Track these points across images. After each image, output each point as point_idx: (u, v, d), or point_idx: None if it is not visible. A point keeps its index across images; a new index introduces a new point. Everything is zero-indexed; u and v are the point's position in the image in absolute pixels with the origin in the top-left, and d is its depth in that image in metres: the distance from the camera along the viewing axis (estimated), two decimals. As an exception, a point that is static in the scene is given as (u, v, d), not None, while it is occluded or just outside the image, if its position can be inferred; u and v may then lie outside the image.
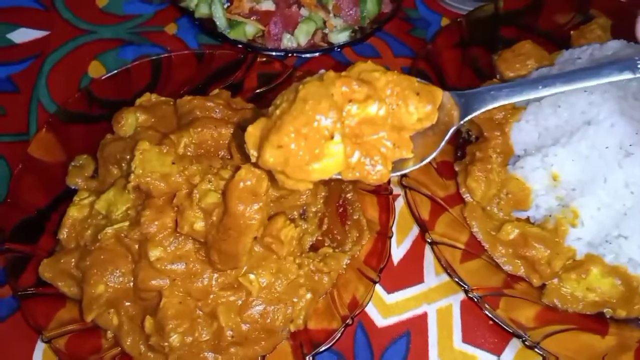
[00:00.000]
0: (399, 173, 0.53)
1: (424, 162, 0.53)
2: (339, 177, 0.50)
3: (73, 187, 0.77)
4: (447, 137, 0.53)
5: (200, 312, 0.65)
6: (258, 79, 0.87)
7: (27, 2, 1.01)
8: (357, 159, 0.49)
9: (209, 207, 0.62)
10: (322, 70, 0.51)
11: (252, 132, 0.50)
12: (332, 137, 0.47)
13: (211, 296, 0.65)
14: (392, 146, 0.49)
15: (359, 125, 0.48)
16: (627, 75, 0.50)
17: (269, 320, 0.67)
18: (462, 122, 0.53)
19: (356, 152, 0.48)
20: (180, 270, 0.65)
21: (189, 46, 0.98)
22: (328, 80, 0.48)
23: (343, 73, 0.50)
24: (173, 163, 0.67)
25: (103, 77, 0.83)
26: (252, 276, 0.67)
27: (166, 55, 0.85)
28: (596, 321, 0.73)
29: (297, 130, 0.46)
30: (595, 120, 0.74)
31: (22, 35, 0.97)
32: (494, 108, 0.77)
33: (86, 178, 0.78)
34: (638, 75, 0.50)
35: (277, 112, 0.49)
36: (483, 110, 0.54)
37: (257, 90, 0.87)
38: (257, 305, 0.67)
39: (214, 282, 0.66)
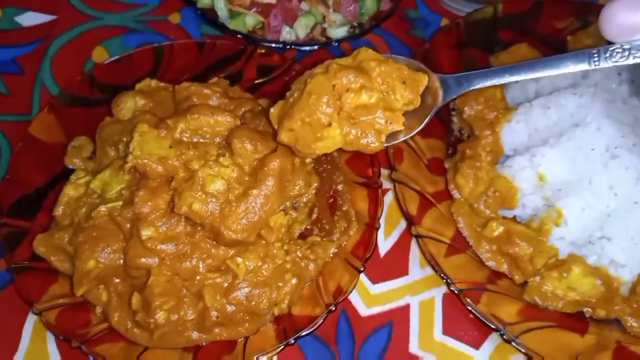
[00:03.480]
0: (392, 143, 0.64)
1: (412, 134, 0.64)
2: (342, 149, 0.63)
3: (71, 167, 0.79)
4: (430, 115, 0.63)
5: (187, 292, 0.67)
6: (257, 70, 0.88)
7: (37, -14, 1.03)
8: (354, 135, 0.61)
9: (217, 192, 0.66)
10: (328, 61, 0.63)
11: (274, 113, 0.65)
12: (330, 125, 0.60)
13: (198, 277, 0.67)
14: (384, 122, 0.61)
15: (355, 109, 0.61)
16: (584, 66, 0.53)
17: (253, 303, 0.68)
18: (443, 102, 0.63)
19: (353, 130, 0.61)
20: (169, 250, 0.67)
21: (192, 35, 1.00)
22: (332, 72, 0.61)
23: (348, 59, 0.63)
24: (170, 147, 0.69)
25: (105, 62, 0.85)
26: (239, 259, 0.69)
27: (168, 43, 0.87)
28: (576, 320, 0.75)
29: (303, 119, 0.61)
30: (583, 122, 0.75)
31: (30, 19, 0.99)
32: (485, 107, 0.81)
33: (84, 159, 0.80)
34: (593, 66, 0.52)
35: (291, 100, 0.63)
36: (459, 93, 0.63)
37: (256, 81, 0.89)
38: (243, 287, 0.69)
39: (201, 264, 0.68)
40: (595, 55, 0.52)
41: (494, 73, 0.60)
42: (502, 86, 0.86)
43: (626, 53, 0.50)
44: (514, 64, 0.59)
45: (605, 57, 0.51)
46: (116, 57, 0.85)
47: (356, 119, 0.61)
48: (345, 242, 0.76)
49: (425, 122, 0.63)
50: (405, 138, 0.64)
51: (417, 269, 0.79)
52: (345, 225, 0.77)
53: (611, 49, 0.51)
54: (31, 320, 0.73)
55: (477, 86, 0.61)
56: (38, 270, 0.71)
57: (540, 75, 0.58)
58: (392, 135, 0.63)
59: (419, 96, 0.62)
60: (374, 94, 0.61)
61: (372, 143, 0.61)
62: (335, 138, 0.61)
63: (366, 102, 0.61)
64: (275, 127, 0.65)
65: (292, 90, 0.64)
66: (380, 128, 0.61)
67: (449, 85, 0.63)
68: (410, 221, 0.76)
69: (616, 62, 0.51)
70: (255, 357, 0.66)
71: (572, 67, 0.54)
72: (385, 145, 0.62)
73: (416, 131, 0.64)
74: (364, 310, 0.76)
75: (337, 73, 0.60)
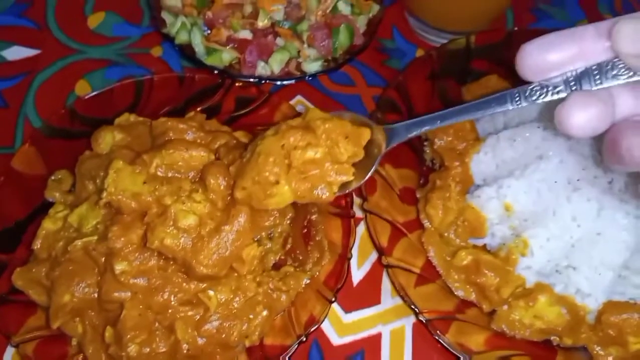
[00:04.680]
0: (344, 191, 0.67)
1: (362, 182, 0.68)
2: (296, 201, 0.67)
3: (51, 200, 0.81)
4: (376, 164, 0.67)
5: (159, 325, 0.69)
6: (236, 102, 0.91)
7: (23, 21, 1.05)
8: (305, 189, 0.66)
9: (189, 227, 0.68)
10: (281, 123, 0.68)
11: (232, 170, 0.70)
12: (277, 182, 0.65)
13: (170, 310, 0.69)
14: (335, 174, 0.66)
15: (303, 164, 0.65)
16: (508, 106, 0.55)
17: (224, 335, 0.70)
18: (385, 151, 0.67)
19: (304, 185, 0.66)
20: (142, 284, 0.69)
21: (173, 69, 1.02)
22: (281, 133, 0.66)
23: (299, 119, 0.69)
24: (144, 183, 0.71)
25: (87, 96, 0.87)
26: (211, 292, 0.70)
27: (148, 77, 0.90)
28: (544, 348, 0.76)
29: (253, 178, 0.65)
30: (546, 155, 0.77)
31: (15, 53, 1.01)
32: (455, 139, 0.83)
33: (64, 192, 0.82)
34: (515, 106, 0.54)
35: (244, 160, 0.68)
36: (399, 141, 0.66)
37: (234, 114, 0.91)
38: (214, 320, 0.70)
39: (173, 297, 0.69)
40: (517, 95, 0.54)
41: (427, 121, 0.63)
42: (471, 118, 0.88)
43: (544, 90, 0.52)
44: (444, 111, 0.61)
45: (526, 96, 0.53)
46: (97, 91, 0.87)
47: (306, 173, 0.65)
48: (317, 273, 0.77)
49: (372, 171, 0.67)
50: (357, 186, 0.68)
51: (389, 298, 0.81)
52: (318, 255, 0.79)
53: (530, 87, 0.53)
54: (9, 352, 0.74)
55: (414, 134, 0.65)
56: (16, 303, 0.73)
57: (468, 119, 0.63)
58: (344, 185, 0.67)
59: (361, 149, 0.66)
60: (319, 150, 0.65)
61: (323, 194, 0.65)
62: (284, 195, 0.65)
63: (313, 158, 0.65)
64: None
65: (246, 152, 0.69)
66: (331, 180, 0.65)
67: (392, 135, 0.67)
68: (381, 252, 0.78)
69: (536, 100, 0.52)
70: (226, 389, 0.68)
71: (497, 109, 0.56)
72: (337, 194, 0.66)
73: (365, 179, 0.68)
74: (336, 340, 0.78)
75: (285, 133, 0.65)
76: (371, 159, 0.67)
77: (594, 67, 0.50)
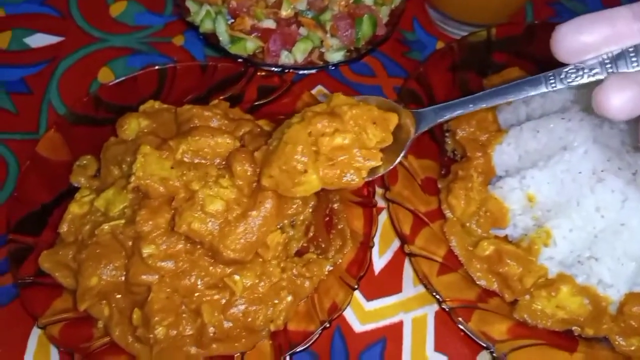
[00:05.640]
0: (373, 177, 0.67)
1: (391, 168, 0.68)
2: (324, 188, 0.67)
3: (76, 185, 0.82)
4: (405, 148, 0.67)
5: (186, 308, 0.69)
6: (258, 91, 0.91)
7: (45, 9, 1.06)
8: (333, 175, 0.65)
9: (216, 212, 0.69)
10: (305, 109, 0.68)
11: (258, 157, 0.70)
12: (305, 171, 0.64)
13: (197, 294, 0.69)
14: (363, 160, 0.65)
15: (331, 151, 0.65)
16: (542, 89, 0.55)
17: (250, 320, 0.70)
18: (415, 136, 0.67)
19: (333, 171, 0.65)
20: (169, 267, 0.69)
21: (195, 57, 1.03)
22: (306, 119, 0.65)
23: (323, 105, 0.68)
24: (172, 168, 0.72)
25: (111, 83, 0.88)
26: (236, 277, 0.71)
27: (172, 65, 0.90)
28: (565, 338, 0.76)
29: (280, 167, 0.65)
30: (570, 146, 0.77)
31: (38, 40, 1.02)
32: (477, 129, 0.83)
33: (89, 177, 0.82)
34: (550, 89, 0.54)
35: (270, 148, 0.67)
36: (430, 125, 0.67)
37: (256, 102, 0.92)
38: (240, 304, 0.71)
39: (200, 281, 0.70)
40: (551, 77, 0.54)
41: (459, 104, 0.64)
42: (493, 109, 0.88)
43: (580, 73, 0.52)
44: (476, 94, 0.62)
45: (561, 79, 0.53)
46: (121, 78, 0.88)
47: (334, 160, 0.65)
48: (340, 260, 0.78)
49: (402, 155, 0.67)
50: (385, 171, 0.68)
51: (411, 286, 0.82)
52: (341, 243, 0.79)
53: (565, 70, 0.53)
54: (35, 334, 0.75)
55: (445, 118, 0.65)
56: (43, 285, 0.74)
57: (501, 102, 0.61)
58: (373, 170, 0.67)
59: (390, 134, 0.66)
60: (347, 136, 0.65)
61: (352, 180, 0.65)
62: (312, 183, 0.65)
63: (341, 144, 0.65)
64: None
65: (272, 139, 0.68)
66: (359, 165, 0.65)
67: (419, 120, 0.67)
68: (404, 240, 0.78)
69: (571, 82, 0.52)
70: (251, 373, 0.68)
71: (531, 92, 0.56)
72: (366, 179, 0.66)
73: (394, 164, 0.67)
74: (358, 327, 0.78)
75: (311, 120, 0.65)
76: (399, 144, 0.67)
77: (630, 49, 0.50)
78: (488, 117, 0.87)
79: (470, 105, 0.62)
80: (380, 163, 0.66)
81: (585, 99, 0.82)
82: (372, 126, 0.66)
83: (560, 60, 0.52)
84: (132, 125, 0.82)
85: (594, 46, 0.50)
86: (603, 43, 0.50)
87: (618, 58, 0.50)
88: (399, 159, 0.67)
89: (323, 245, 0.80)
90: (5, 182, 0.87)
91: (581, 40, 0.50)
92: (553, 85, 0.54)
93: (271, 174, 0.66)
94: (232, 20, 0.98)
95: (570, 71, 0.53)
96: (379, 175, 0.68)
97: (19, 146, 0.90)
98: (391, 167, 0.67)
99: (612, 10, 0.50)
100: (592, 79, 0.51)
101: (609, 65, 0.50)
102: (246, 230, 0.69)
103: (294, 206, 0.79)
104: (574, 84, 0.52)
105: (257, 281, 0.72)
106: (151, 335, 0.67)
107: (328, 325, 0.71)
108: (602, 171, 0.75)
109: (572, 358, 0.75)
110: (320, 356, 0.75)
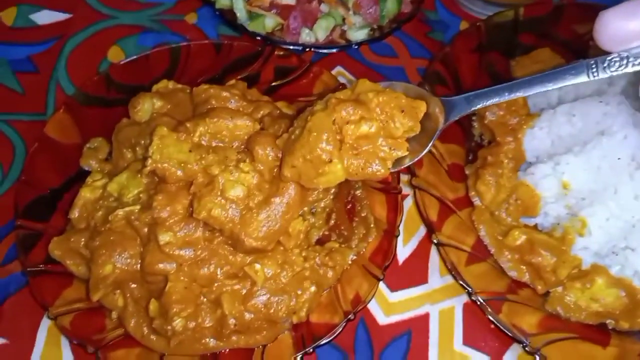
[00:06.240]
0: (398, 168, 0.64)
1: (417, 159, 0.64)
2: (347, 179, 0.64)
3: (86, 169, 0.78)
4: (434, 139, 0.64)
5: (205, 299, 0.66)
6: (275, 71, 0.87)
7: (52, -16, 1.02)
8: (358, 165, 0.62)
9: (237, 198, 0.65)
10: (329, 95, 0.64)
11: (280, 145, 0.66)
12: (330, 161, 0.61)
13: (216, 284, 0.66)
14: (388, 149, 0.62)
15: (357, 140, 0.62)
16: (583, 78, 0.52)
17: (272, 311, 0.67)
18: (444, 126, 0.64)
19: (357, 161, 0.62)
20: (187, 256, 0.66)
21: (208, 36, 0.99)
22: (330, 106, 0.62)
23: (348, 91, 0.65)
24: (190, 151, 0.68)
25: (122, 62, 0.84)
26: (257, 266, 0.67)
27: (185, 44, 0.86)
28: (598, 332, 0.73)
29: (304, 156, 0.62)
30: (608, 131, 0.74)
31: (45, 17, 0.98)
32: (507, 113, 0.80)
33: (100, 160, 0.79)
34: (592, 77, 0.52)
35: (292, 136, 0.64)
36: (461, 114, 0.63)
37: (273, 83, 0.88)
38: (261, 295, 0.67)
39: (219, 270, 0.67)
40: (594, 65, 0.51)
41: (493, 92, 0.61)
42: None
43: (624, 62, 0.49)
44: (512, 82, 0.59)
45: (604, 67, 0.51)
46: (133, 57, 0.84)
47: (359, 149, 0.62)
48: (363, 249, 0.75)
49: (429, 146, 0.64)
50: (411, 162, 0.65)
51: (437, 277, 0.78)
52: (364, 231, 0.76)
53: (609, 58, 0.50)
54: (45, 324, 0.72)
55: (478, 106, 0.62)
56: (53, 273, 0.70)
57: (539, 91, 0.58)
58: (398, 160, 0.63)
59: (418, 123, 0.63)
60: (373, 124, 0.61)
61: (378, 171, 0.62)
62: (337, 173, 0.62)
63: (367, 133, 0.61)
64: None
65: (294, 127, 0.65)
66: (385, 155, 0.62)
67: (450, 108, 0.63)
68: (431, 228, 0.75)
69: (615, 71, 0.50)
70: (273, 366, 0.65)
71: (571, 81, 0.54)
72: (392, 170, 0.63)
73: (421, 155, 0.64)
74: (382, 319, 0.75)
75: (335, 107, 0.61)
76: (427, 133, 0.64)
77: None
78: (518, 100, 0.83)
79: (506, 94, 0.59)
80: (407, 153, 0.63)
81: (623, 82, 0.78)
82: (400, 114, 0.62)
83: (604, 49, 0.49)
84: (145, 106, 0.78)
85: None
86: None
87: None
88: (426, 150, 0.64)
89: (345, 234, 0.77)
90: (12, 165, 0.83)
91: (628, 27, 0.47)
92: (595, 74, 0.51)
93: (294, 164, 0.63)
94: (250, -4, 0.94)
95: (614, 59, 0.50)
96: (405, 166, 0.65)
97: (26, 127, 0.86)
98: (418, 158, 0.64)
99: None
100: (637, 67, 0.49)
101: None
102: (269, 217, 0.66)
103: (315, 193, 0.76)
104: (617, 73, 0.50)
105: (279, 271, 0.68)
106: (169, 327, 0.63)
107: (353, 317, 0.68)
108: (642, 157, 0.72)
109: (605, 352, 0.71)
110: (344, 349, 0.72)
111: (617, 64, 0.50)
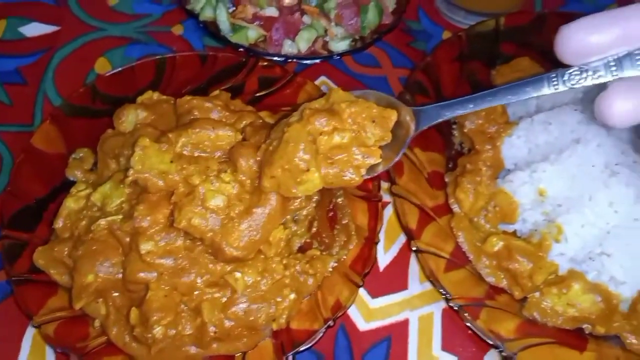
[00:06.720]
0: (372, 174, 0.67)
1: (390, 165, 0.67)
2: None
3: (72, 179, 0.80)
4: (405, 146, 0.66)
5: (185, 307, 0.67)
6: (259, 82, 0.89)
7: (41, -4, 1.04)
8: (333, 174, 0.65)
9: (217, 208, 0.67)
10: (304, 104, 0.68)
11: (258, 155, 0.68)
12: (308, 170, 0.64)
13: (196, 292, 0.67)
14: (362, 158, 0.65)
15: (330, 150, 0.65)
16: (545, 91, 0.53)
17: (252, 318, 0.68)
18: (415, 134, 0.66)
19: (332, 170, 0.65)
20: (168, 264, 0.67)
21: (194, 47, 1.00)
22: (305, 117, 0.65)
23: (322, 100, 0.68)
24: (171, 161, 0.69)
25: (108, 74, 0.85)
26: (238, 274, 0.68)
27: (170, 55, 0.88)
28: (575, 336, 0.74)
29: (282, 166, 0.64)
30: (583, 139, 0.75)
31: (33, 29, 1.00)
32: (486, 122, 0.81)
33: (85, 171, 0.80)
34: (553, 90, 0.52)
35: (270, 148, 0.66)
36: (429, 125, 0.66)
37: (257, 94, 0.89)
38: (242, 302, 0.68)
39: (200, 279, 0.68)
40: (554, 79, 0.52)
41: (459, 104, 0.63)
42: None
43: (584, 75, 0.50)
44: (476, 94, 0.60)
45: (564, 80, 0.51)
46: (118, 69, 0.85)
47: (333, 158, 0.65)
48: (344, 257, 0.76)
49: (401, 153, 0.66)
50: (385, 169, 0.67)
51: (417, 283, 0.79)
52: (345, 239, 0.77)
53: (569, 72, 0.51)
54: (30, 332, 0.73)
55: (446, 117, 0.64)
56: (37, 282, 0.71)
57: (502, 103, 0.61)
58: (372, 167, 0.66)
59: (389, 132, 0.65)
60: (346, 135, 0.64)
61: (352, 179, 0.65)
62: (314, 181, 0.64)
63: (340, 143, 0.65)
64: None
65: (272, 139, 0.67)
66: (359, 163, 0.65)
67: (420, 117, 0.66)
68: (410, 236, 0.76)
69: (574, 84, 0.51)
70: (253, 373, 0.66)
71: (533, 93, 0.54)
72: (365, 177, 0.65)
73: (393, 162, 0.67)
74: (362, 325, 0.76)
75: (309, 118, 0.64)
76: (399, 141, 0.66)
77: (636, 51, 0.47)
78: (497, 109, 0.84)
79: (471, 105, 0.61)
80: (380, 160, 0.65)
81: (596, 91, 0.80)
82: (371, 124, 0.65)
83: (565, 62, 0.50)
84: (129, 117, 0.79)
85: (602, 48, 0.47)
86: (612, 45, 0.47)
87: (623, 60, 0.47)
88: (397, 157, 0.66)
89: (327, 241, 0.78)
90: (-1, 176, 0.84)
91: (588, 41, 0.47)
92: (556, 86, 0.52)
93: (273, 174, 0.65)
94: (233, 8, 0.95)
95: (574, 73, 0.50)
96: (378, 173, 0.67)
97: (13, 138, 0.87)
98: (390, 165, 0.67)
99: (621, 10, 0.47)
100: (595, 81, 0.49)
101: (613, 68, 0.48)
102: (250, 227, 0.67)
103: (297, 201, 0.77)
104: (577, 86, 0.50)
105: (259, 278, 0.69)
106: (149, 335, 0.64)
107: (332, 323, 0.69)
108: (616, 165, 0.73)
109: (582, 357, 0.72)
110: (324, 355, 0.73)
111: (577, 77, 0.50)
